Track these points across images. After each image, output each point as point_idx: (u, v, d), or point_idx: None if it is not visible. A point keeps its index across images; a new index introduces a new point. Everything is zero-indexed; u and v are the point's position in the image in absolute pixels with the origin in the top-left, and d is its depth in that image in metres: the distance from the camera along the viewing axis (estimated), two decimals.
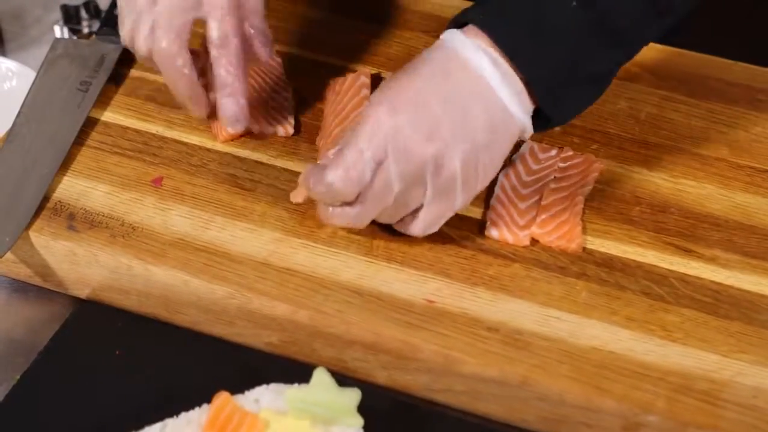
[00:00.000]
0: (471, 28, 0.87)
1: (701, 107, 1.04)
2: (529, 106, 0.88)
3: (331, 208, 0.88)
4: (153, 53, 0.94)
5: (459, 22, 0.89)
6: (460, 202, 0.88)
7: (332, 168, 0.86)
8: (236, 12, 0.94)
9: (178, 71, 0.94)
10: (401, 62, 1.06)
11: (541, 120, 0.89)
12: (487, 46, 0.86)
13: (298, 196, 0.93)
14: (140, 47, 0.94)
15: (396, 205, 0.88)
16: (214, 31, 0.94)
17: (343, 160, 0.86)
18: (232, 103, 0.95)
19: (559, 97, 0.88)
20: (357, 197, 0.87)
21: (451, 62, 0.87)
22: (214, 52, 0.94)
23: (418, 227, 0.89)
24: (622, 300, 0.88)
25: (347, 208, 0.88)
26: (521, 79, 0.86)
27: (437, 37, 0.91)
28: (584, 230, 0.93)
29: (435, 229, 0.89)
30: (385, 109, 0.86)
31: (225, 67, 0.94)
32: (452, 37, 0.88)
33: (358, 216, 0.88)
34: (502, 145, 0.88)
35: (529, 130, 0.88)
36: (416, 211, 0.89)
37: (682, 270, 0.90)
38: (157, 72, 0.96)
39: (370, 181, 0.86)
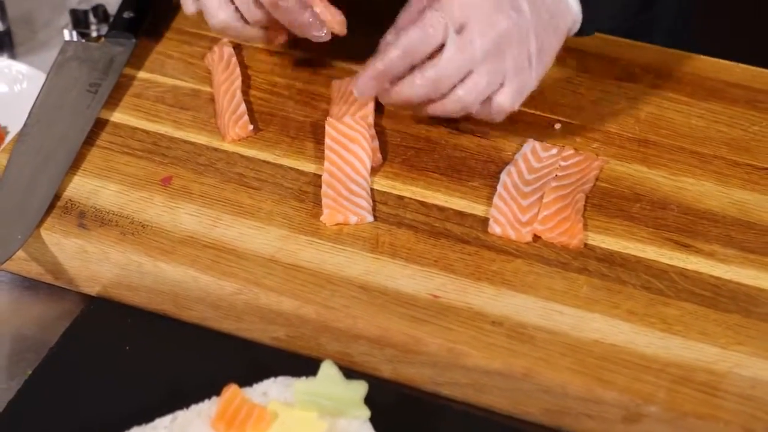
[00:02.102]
0: None
1: (701, 107, 1.05)
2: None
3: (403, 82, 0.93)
4: None
5: None
6: (535, 75, 0.94)
7: (411, 27, 0.91)
8: None
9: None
10: None
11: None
12: None
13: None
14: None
15: (479, 75, 0.91)
16: None
17: (423, 17, 0.91)
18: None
19: (597, 7, 0.97)
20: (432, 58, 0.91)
21: None
22: None
23: (504, 97, 0.93)
24: (623, 294, 0.89)
25: (427, 71, 0.92)
26: None
27: None
28: (585, 227, 0.94)
29: (520, 102, 0.94)
30: None
31: None
32: None
33: (438, 78, 0.92)
34: (562, 30, 0.95)
35: (579, 22, 0.97)
36: (493, 93, 0.93)
37: (682, 265, 0.92)
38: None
39: (453, 45, 0.90)
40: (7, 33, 1.18)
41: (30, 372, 0.87)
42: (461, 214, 0.94)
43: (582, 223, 0.94)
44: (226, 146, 1.00)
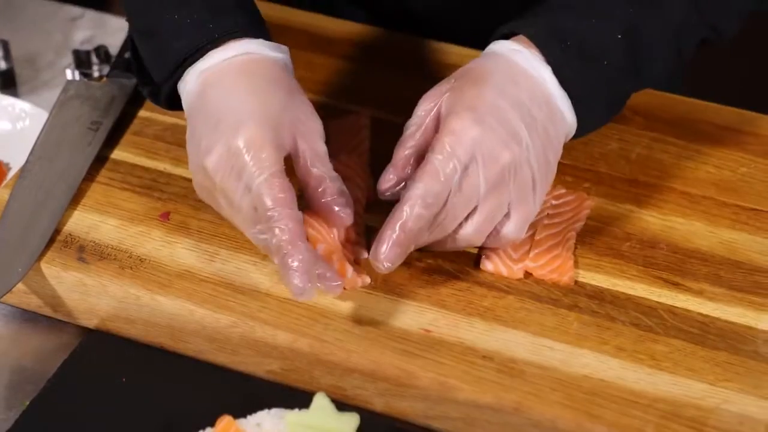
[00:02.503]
0: (521, 39, 0.94)
1: (690, 149, 1.07)
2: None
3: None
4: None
5: (506, 32, 0.95)
6: (538, 200, 0.93)
7: (422, 175, 0.89)
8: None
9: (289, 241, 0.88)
10: (396, 103, 1.10)
11: None
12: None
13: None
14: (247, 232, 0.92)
15: (484, 212, 0.90)
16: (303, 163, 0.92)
17: (432, 166, 0.89)
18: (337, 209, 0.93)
19: (585, 115, 0.95)
20: (444, 204, 0.89)
21: (514, 70, 0.92)
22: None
23: (511, 228, 0.92)
24: (612, 330, 0.90)
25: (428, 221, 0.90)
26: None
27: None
28: (576, 264, 0.95)
29: (524, 232, 0.93)
30: (470, 117, 0.90)
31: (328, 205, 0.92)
32: (506, 47, 0.94)
33: (442, 225, 0.90)
34: (559, 143, 0.94)
35: (573, 129, 0.95)
36: (499, 224, 0.92)
37: (671, 302, 0.93)
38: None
39: (458, 186, 0.89)
40: (11, 72, 1.19)
41: (28, 403, 0.89)
42: (453, 252, 0.95)
43: (573, 260, 0.95)
44: None
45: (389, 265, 0.89)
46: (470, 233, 0.92)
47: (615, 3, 0.95)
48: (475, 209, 0.91)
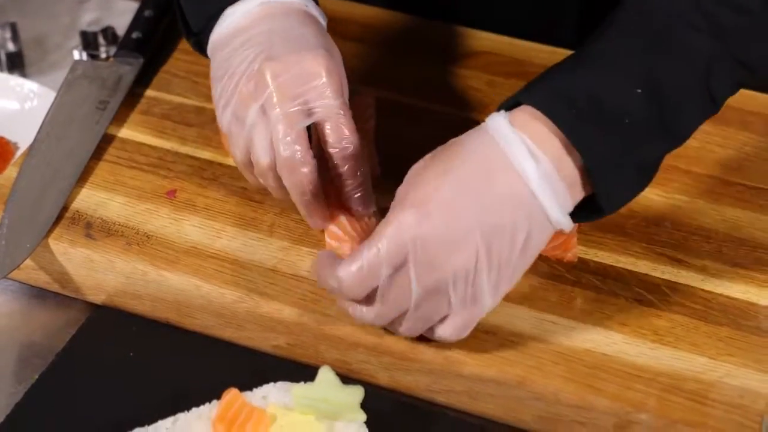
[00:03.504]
0: (525, 110, 0.84)
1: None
2: (571, 203, 0.84)
3: (348, 305, 0.87)
4: (279, 163, 0.90)
5: (512, 103, 0.85)
6: (489, 304, 0.85)
7: (345, 264, 0.84)
8: (349, 112, 0.92)
9: (306, 178, 0.90)
10: (403, 84, 1.11)
11: (588, 210, 0.86)
12: (532, 136, 0.82)
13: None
14: (261, 160, 0.91)
15: (417, 314, 0.85)
16: (332, 134, 0.91)
17: (359, 258, 0.83)
18: (364, 195, 0.93)
19: (613, 186, 0.85)
20: (375, 297, 0.84)
21: (492, 159, 0.83)
22: (335, 152, 0.91)
23: (446, 332, 0.86)
24: (615, 306, 0.92)
25: (364, 308, 0.86)
26: (577, 167, 0.83)
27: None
28: (580, 241, 0.96)
29: (466, 333, 0.86)
30: (414, 214, 0.82)
31: (352, 168, 0.92)
32: (497, 125, 0.84)
33: (377, 317, 0.85)
34: (535, 247, 0.85)
35: (567, 227, 0.85)
36: (442, 319, 0.86)
37: (674, 279, 0.94)
38: (271, 186, 0.93)
39: (388, 284, 0.83)
40: (19, 54, 1.21)
41: (36, 377, 0.90)
42: None
43: (576, 237, 0.96)
44: (230, 161, 1.02)
45: None
46: (402, 330, 0.86)
47: (629, 52, 0.85)
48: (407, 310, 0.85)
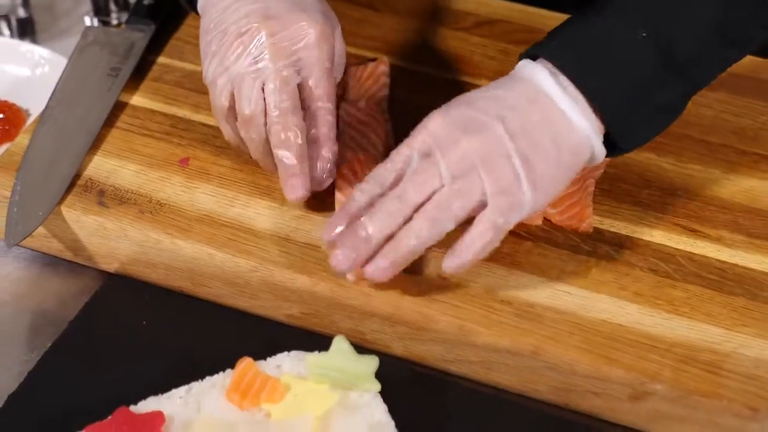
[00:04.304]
0: (541, 61, 0.88)
1: (709, 97, 1.07)
2: (600, 130, 0.88)
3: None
4: (269, 115, 0.91)
5: (529, 55, 0.89)
6: (531, 196, 0.85)
7: (375, 168, 0.87)
8: (331, 75, 0.94)
9: (293, 132, 0.91)
10: (416, 51, 1.11)
11: (609, 147, 0.89)
12: (558, 75, 0.87)
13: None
14: (246, 109, 0.92)
15: (449, 193, 0.85)
16: (313, 94, 0.93)
17: (387, 158, 0.87)
18: (317, 167, 0.93)
19: (628, 125, 0.88)
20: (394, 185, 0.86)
21: (507, 78, 0.89)
22: (313, 111, 0.93)
23: (491, 215, 0.85)
24: (630, 276, 0.91)
25: (388, 195, 0.85)
26: (591, 107, 0.87)
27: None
28: (595, 211, 0.96)
29: (510, 223, 0.85)
30: (436, 112, 0.87)
31: (323, 131, 0.93)
32: (524, 66, 0.89)
33: (396, 203, 0.85)
34: (570, 161, 0.87)
35: (600, 151, 0.88)
36: (475, 214, 0.86)
37: (689, 249, 0.94)
38: (252, 139, 0.93)
39: (414, 169, 0.85)
40: (30, 20, 1.20)
41: (49, 345, 0.90)
42: None
43: (591, 207, 0.96)
44: None
45: (327, 236, 0.86)
46: (429, 211, 0.85)
47: (630, 4, 0.88)
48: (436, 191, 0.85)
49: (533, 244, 0.94)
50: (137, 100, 1.05)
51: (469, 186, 0.85)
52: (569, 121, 0.87)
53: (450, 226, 0.86)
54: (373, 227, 0.85)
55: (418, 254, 0.86)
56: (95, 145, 1.00)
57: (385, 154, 0.97)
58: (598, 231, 0.95)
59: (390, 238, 0.85)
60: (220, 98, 0.94)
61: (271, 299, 0.92)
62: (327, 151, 0.93)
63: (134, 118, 1.03)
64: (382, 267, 0.85)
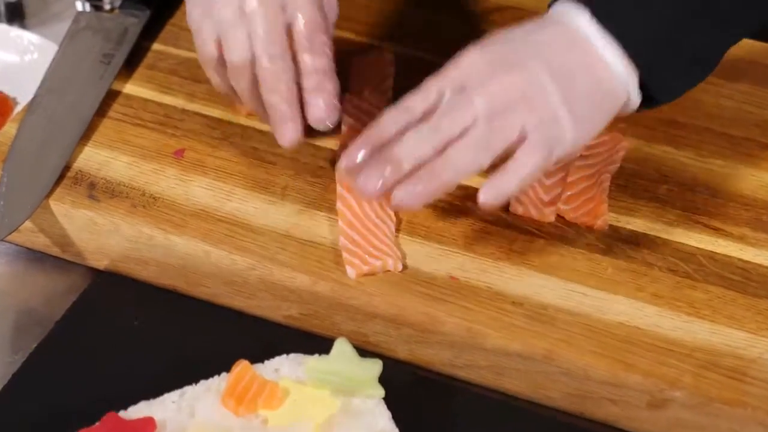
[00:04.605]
0: (575, 5, 0.86)
1: (731, 88, 1.04)
2: (635, 76, 0.86)
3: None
4: (256, 61, 0.90)
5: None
6: (570, 131, 0.84)
7: (405, 97, 0.85)
8: (321, 11, 0.91)
9: (283, 78, 0.90)
10: (422, 39, 1.08)
11: (643, 99, 0.87)
12: (593, 19, 0.85)
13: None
14: (234, 57, 0.90)
15: (483, 128, 0.82)
16: (302, 32, 0.90)
17: (418, 88, 0.85)
18: (321, 101, 0.91)
19: (661, 74, 0.86)
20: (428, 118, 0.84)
21: (541, 19, 0.87)
22: (303, 45, 0.90)
23: (532, 150, 0.82)
24: (648, 277, 0.88)
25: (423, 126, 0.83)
26: (626, 53, 0.85)
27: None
28: (611, 208, 0.93)
29: (551, 160, 0.83)
30: (471, 47, 0.85)
31: (315, 66, 0.90)
32: (559, 9, 0.87)
33: (430, 132, 0.83)
34: (607, 103, 0.86)
35: (635, 97, 0.86)
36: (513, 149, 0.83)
37: (710, 248, 0.90)
38: (242, 88, 0.92)
39: (449, 104, 0.83)
40: (19, 4, 1.18)
41: (35, 346, 0.87)
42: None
43: (607, 203, 0.92)
44: (242, 120, 0.99)
45: (347, 162, 0.84)
46: (464, 145, 0.83)
47: None
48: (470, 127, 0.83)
49: (546, 242, 0.90)
50: (130, 88, 1.02)
51: (507, 122, 0.83)
52: (606, 63, 0.85)
53: (487, 161, 0.83)
54: (403, 152, 0.83)
55: (451, 188, 0.85)
56: (86, 135, 0.97)
57: None
58: (613, 229, 0.91)
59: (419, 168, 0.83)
60: (207, 47, 0.92)
61: (269, 299, 0.88)
62: (328, 83, 0.90)
63: (127, 108, 1.00)
64: (414, 192, 0.83)
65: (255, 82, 0.91)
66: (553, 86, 0.84)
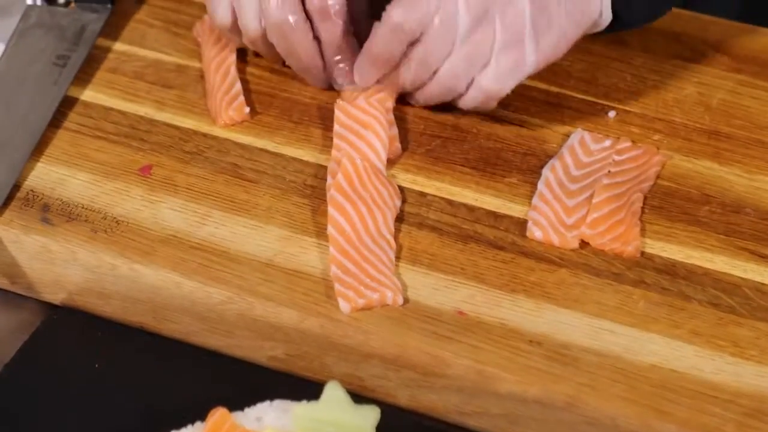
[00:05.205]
0: None
1: None
2: None
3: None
4: (268, 25, 1.02)
5: None
6: (531, 57, 0.99)
7: (396, 5, 0.98)
8: None
9: (297, 34, 1.02)
10: None
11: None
12: None
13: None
14: (250, 25, 1.03)
15: (462, 51, 0.98)
16: None
17: None
18: (343, 66, 1.05)
19: None
20: (418, 38, 0.99)
21: None
22: (317, 15, 1.02)
23: (488, 80, 0.99)
24: (686, 311, 0.91)
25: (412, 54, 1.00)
26: None
27: None
28: (643, 232, 0.96)
29: (508, 87, 1.00)
30: None
31: (332, 29, 1.03)
32: None
33: (422, 59, 1.00)
34: (576, 17, 1.00)
35: (607, 14, 1.02)
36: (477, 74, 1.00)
37: (758, 279, 0.94)
38: (262, 50, 1.06)
39: (433, 18, 0.98)
40: None
41: None
42: (495, 215, 0.97)
43: (639, 227, 0.96)
44: (218, 131, 1.03)
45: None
46: (442, 74, 1.00)
47: None
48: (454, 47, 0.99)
49: (568, 272, 0.94)
50: (89, 95, 1.05)
51: (480, 41, 0.98)
52: None
53: (462, 88, 1.01)
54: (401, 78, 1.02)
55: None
56: (38, 149, 1.00)
57: (394, 164, 0.99)
58: (647, 256, 0.95)
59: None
60: (220, 16, 1.05)
61: (251, 337, 0.92)
62: (347, 48, 1.05)
63: (86, 117, 1.03)
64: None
65: (274, 48, 1.04)
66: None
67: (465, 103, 1.02)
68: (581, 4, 1.00)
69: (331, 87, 1.07)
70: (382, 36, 1.00)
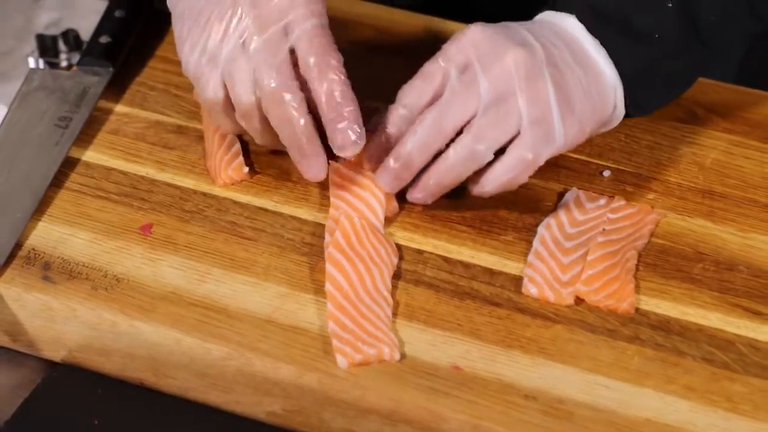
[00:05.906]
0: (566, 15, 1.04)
1: None
2: (621, 84, 1.04)
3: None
4: (263, 98, 0.99)
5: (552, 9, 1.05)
6: (560, 128, 0.99)
7: (408, 84, 1.01)
8: (325, 30, 1.01)
9: (297, 113, 0.99)
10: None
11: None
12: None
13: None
14: (244, 96, 1.00)
15: (482, 119, 0.98)
16: (309, 54, 1.00)
17: (421, 71, 1.01)
18: (346, 130, 0.99)
19: (640, 91, 1.05)
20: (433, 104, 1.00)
21: (550, 26, 1.03)
22: (314, 74, 1.00)
23: (524, 148, 0.98)
24: (680, 367, 0.93)
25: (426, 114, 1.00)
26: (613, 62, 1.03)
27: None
28: (637, 289, 0.98)
29: (543, 157, 0.99)
30: (473, 26, 1.01)
31: (330, 90, 0.99)
32: (550, 14, 1.05)
33: (437, 121, 0.99)
34: (598, 104, 1.02)
35: (621, 107, 1.04)
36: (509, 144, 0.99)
37: (752, 335, 0.95)
38: (255, 128, 1.02)
39: (453, 87, 0.99)
40: None
41: None
42: (491, 272, 0.98)
43: (633, 284, 0.97)
44: (217, 191, 1.04)
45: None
46: (469, 139, 0.98)
47: None
48: (476, 115, 0.99)
49: (563, 328, 0.95)
50: (91, 155, 1.07)
51: (506, 111, 0.98)
52: (597, 65, 1.02)
53: (489, 156, 0.99)
54: (414, 148, 1.00)
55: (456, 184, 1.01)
56: (40, 209, 1.02)
57: (392, 223, 1.00)
58: (641, 312, 0.96)
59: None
60: (210, 91, 1.01)
61: (250, 394, 0.93)
62: (348, 108, 0.99)
63: (87, 177, 1.05)
64: (428, 188, 1.01)
65: (268, 120, 1.01)
66: (550, 78, 0.99)
67: (495, 175, 1.00)
68: (599, 95, 1.02)
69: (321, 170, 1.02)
70: (396, 118, 1.02)
